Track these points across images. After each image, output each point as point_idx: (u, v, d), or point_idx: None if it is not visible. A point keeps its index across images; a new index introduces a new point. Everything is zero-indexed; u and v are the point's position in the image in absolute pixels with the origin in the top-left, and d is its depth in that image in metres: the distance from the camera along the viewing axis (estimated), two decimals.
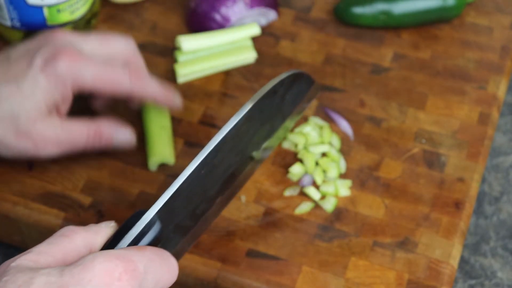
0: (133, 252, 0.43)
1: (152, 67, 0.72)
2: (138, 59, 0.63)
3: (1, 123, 0.57)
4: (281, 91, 0.57)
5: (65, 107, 0.59)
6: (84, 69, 0.57)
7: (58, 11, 0.70)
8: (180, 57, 0.71)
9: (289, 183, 0.64)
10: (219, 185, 0.52)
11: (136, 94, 0.60)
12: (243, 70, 0.72)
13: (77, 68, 0.57)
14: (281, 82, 0.56)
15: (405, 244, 0.60)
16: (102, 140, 0.60)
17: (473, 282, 0.65)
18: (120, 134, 0.61)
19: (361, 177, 0.64)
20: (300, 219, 0.61)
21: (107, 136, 0.60)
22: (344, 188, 0.63)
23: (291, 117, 0.59)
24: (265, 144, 0.56)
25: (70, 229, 0.44)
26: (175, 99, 0.63)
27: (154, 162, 0.63)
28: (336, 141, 0.66)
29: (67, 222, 0.61)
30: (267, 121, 0.56)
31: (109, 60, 0.60)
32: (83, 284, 0.40)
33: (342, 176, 0.64)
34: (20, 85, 0.57)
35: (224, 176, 0.53)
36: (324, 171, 0.64)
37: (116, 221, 0.61)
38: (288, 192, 0.63)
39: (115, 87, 0.59)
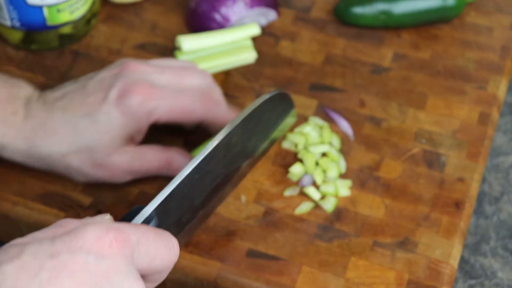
0: (126, 225, 0.44)
1: None
2: (214, 94, 0.63)
3: (78, 154, 0.59)
4: (267, 110, 0.58)
5: (139, 137, 0.61)
6: (158, 104, 0.58)
7: (58, 11, 0.70)
8: (180, 57, 0.71)
9: (289, 183, 0.64)
10: (206, 194, 0.54)
11: (207, 121, 0.61)
12: (243, 70, 0.72)
13: (151, 103, 0.58)
14: (269, 100, 0.57)
15: (405, 244, 0.60)
16: (171, 170, 0.62)
17: (473, 282, 0.65)
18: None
19: (361, 177, 0.64)
20: (300, 219, 0.61)
21: (177, 167, 0.62)
22: (344, 188, 0.63)
23: (274, 135, 0.60)
24: (246, 162, 0.58)
25: (66, 221, 0.45)
26: None
27: None
28: (336, 141, 0.66)
29: None
30: (252, 137, 0.57)
31: (181, 93, 0.61)
32: (74, 250, 0.41)
33: (342, 176, 0.64)
34: (95, 118, 0.58)
35: (211, 186, 0.54)
36: (324, 171, 0.64)
37: (116, 220, 0.61)
38: (288, 192, 0.63)
39: (188, 116, 0.60)
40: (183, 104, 0.59)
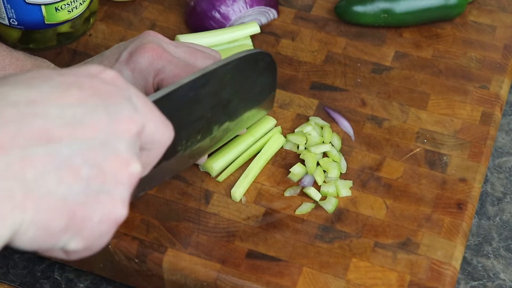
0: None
1: None
2: None
3: None
4: (254, 74, 0.60)
5: None
6: (165, 65, 0.60)
7: (56, 9, 0.69)
8: None
9: (289, 184, 0.63)
10: (191, 130, 0.56)
11: None
12: None
13: (158, 63, 0.60)
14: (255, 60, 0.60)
15: (406, 245, 0.60)
16: None
17: (475, 283, 0.64)
18: None
19: (362, 177, 0.64)
20: (300, 219, 0.61)
21: None
22: (345, 189, 0.63)
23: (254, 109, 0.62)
24: (225, 124, 0.59)
25: None
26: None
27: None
28: (337, 141, 0.66)
29: None
30: (236, 94, 0.60)
31: (191, 65, 0.62)
32: (80, 75, 0.42)
33: (343, 176, 0.64)
34: None
35: (198, 124, 0.56)
36: (325, 171, 0.64)
37: None
38: (288, 193, 0.63)
39: None
40: None
